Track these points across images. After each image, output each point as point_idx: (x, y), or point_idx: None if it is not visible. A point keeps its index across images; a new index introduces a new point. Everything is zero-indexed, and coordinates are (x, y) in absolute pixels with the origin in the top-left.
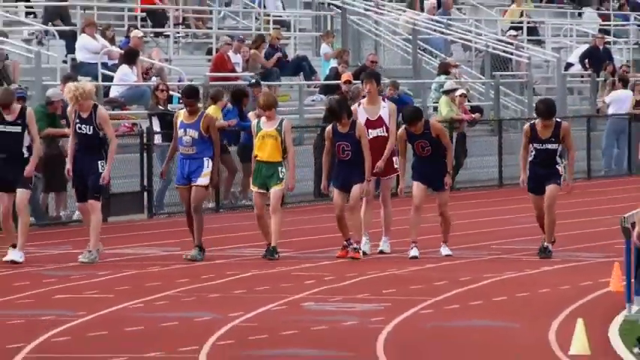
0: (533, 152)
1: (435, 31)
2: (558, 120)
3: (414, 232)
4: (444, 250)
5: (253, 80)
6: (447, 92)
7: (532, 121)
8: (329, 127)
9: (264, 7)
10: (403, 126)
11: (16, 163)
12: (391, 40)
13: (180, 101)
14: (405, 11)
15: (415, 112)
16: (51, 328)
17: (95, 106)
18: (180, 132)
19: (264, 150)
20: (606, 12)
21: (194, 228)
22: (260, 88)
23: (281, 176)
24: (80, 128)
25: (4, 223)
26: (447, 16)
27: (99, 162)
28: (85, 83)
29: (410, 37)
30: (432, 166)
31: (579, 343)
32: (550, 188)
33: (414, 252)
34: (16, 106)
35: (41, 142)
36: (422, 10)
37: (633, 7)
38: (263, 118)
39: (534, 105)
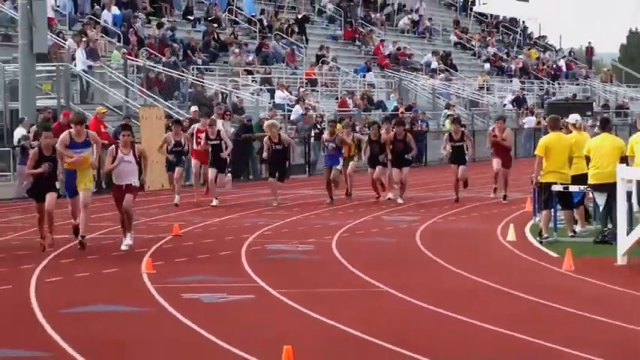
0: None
1: (443, 88)
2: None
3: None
4: (399, 199)
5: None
6: (448, 117)
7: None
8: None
9: (364, 77)
10: (392, 131)
11: (219, 160)
12: (422, 92)
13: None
14: (428, 79)
15: (399, 121)
16: (255, 231)
17: (279, 134)
18: (326, 143)
19: (346, 149)
20: (523, 79)
21: (331, 186)
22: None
23: (355, 159)
24: (275, 147)
25: (210, 184)
26: (448, 81)
27: (285, 161)
28: (274, 121)
29: (431, 91)
30: (400, 156)
31: (511, 234)
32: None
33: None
34: (215, 129)
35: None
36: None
37: (535, 77)
38: (345, 132)
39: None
